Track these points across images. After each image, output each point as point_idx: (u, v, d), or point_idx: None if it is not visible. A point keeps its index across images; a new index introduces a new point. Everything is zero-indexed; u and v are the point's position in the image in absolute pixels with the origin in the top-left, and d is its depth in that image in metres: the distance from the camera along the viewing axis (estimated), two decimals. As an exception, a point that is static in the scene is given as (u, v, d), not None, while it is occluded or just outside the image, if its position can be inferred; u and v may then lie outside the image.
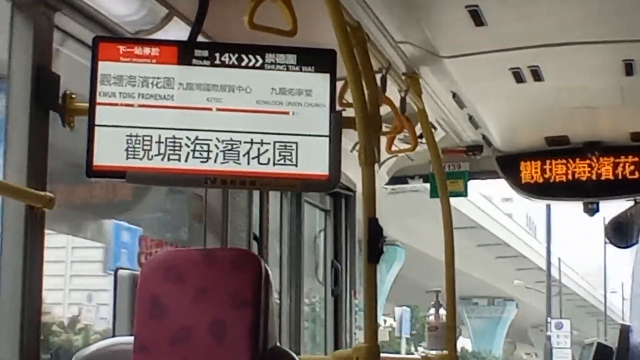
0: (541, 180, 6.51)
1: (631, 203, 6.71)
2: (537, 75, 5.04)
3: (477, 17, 4.25)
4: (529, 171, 6.55)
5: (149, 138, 3.56)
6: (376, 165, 6.33)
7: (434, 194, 5.98)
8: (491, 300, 47.71)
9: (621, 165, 6.39)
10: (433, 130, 5.61)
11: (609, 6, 4.29)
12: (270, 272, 3.58)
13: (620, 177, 6.40)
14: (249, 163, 3.59)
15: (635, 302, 7.48)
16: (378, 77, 4.42)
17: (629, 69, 4.94)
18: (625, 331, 6.86)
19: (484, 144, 6.45)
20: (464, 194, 6.74)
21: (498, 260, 40.87)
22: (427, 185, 6.62)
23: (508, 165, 6.63)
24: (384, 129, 4.78)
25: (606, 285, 43.98)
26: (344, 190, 6.43)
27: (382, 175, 6.79)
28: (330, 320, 6.56)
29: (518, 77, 5.06)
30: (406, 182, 7.00)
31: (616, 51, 4.79)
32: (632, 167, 6.37)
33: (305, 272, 6.27)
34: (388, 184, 6.98)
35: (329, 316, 6.56)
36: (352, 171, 3.45)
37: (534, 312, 46.94)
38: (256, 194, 5.20)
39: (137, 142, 3.56)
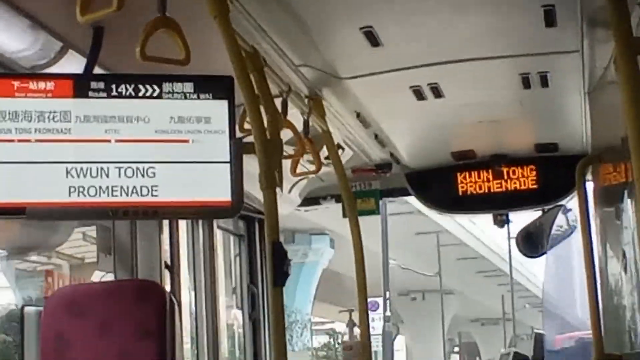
0: (450, 194, 6.59)
1: (539, 213, 6.83)
2: (437, 92, 5.10)
3: (372, 38, 4.29)
4: (438, 186, 6.63)
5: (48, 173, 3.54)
6: (287, 188, 6.40)
7: (345, 214, 6.01)
8: (289, 235, 27.68)
9: (527, 176, 6.50)
10: (340, 150, 5.65)
11: (502, 22, 4.36)
12: (175, 301, 3.57)
13: (527, 187, 6.51)
14: (150, 193, 3.59)
15: (547, 310, 7.62)
16: (279, 100, 4.46)
17: (526, 82, 5.04)
18: (539, 340, 6.99)
19: (392, 161, 6.51)
20: (375, 212, 6.79)
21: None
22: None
23: (417, 182, 6.70)
24: (291, 152, 4.82)
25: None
26: (256, 214, 6.43)
27: (294, 197, 6.80)
28: (249, 345, 6.55)
29: (419, 95, 5.12)
30: (319, 203, 7.02)
31: (513, 65, 4.88)
32: (537, 178, 6.49)
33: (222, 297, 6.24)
34: (301, 205, 7.00)
35: (247, 340, 6.54)
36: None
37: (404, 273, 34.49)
38: (166, 222, 5.18)
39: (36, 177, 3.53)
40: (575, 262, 7.42)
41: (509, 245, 37.37)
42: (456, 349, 55.41)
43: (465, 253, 36.94)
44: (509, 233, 36.77)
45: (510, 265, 38.35)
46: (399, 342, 43.62)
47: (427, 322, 41.15)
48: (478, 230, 36.67)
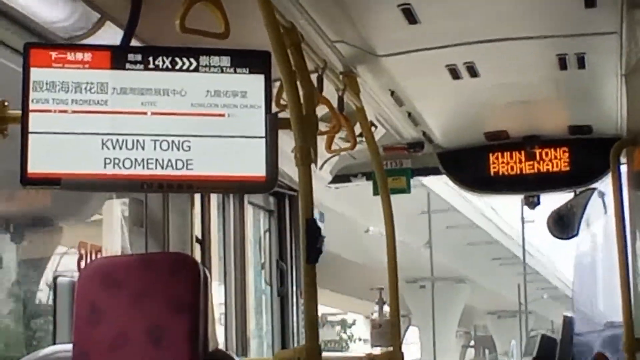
0: (482, 175, 6.56)
1: (571, 195, 6.79)
2: (473, 72, 5.07)
3: (410, 16, 4.27)
4: (470, 166, 6.60)
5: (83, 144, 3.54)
6: (319, 165, 6.39)
7: (376, 191, 6.00)
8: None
9: (560, 158, 6.46)
10: (373, 128, 5.63)
11: (541, 2, 4.33)
12: (209, 275, 3.58)
13: (559, 169, 6.47)
14: (185, 166, 3.58)
15: (577, 294, 7.57)
16: (315, 76, 4.44)
17: (562, 63, 5.00)
18: (568, 322, 6.96)
19: (424, 140, 6.49)
20: (406, 190, 6.77)
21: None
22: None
23: (449, 161, 6.68)
24: (324, 129, 4.82)
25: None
26: (287, 190, 6.44)
27: (325, 174, 6.80)
28: (277, 321, 6.57)
29: (454, 74, 5.09)
30: (349, 181, 7.02)
31: (550, 46, 4.84)
32: (570, 160, 6.45)
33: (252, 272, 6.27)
34: (331, 182, 7.00)
35: (275, 316, 6.57)
36: (294, 171, 3.46)
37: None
38: (197, 197, 5.19)
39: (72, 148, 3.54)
40: (607, 260, 7.36)
41: (522, 228, 35.64)
42: (472, 342, 54.01)
43: (477, 237, 34.59)
44: (522, 216, 35.45)
45: (524, 250, 35.83)
46: (412, 334, 41.65)
47: (438, 313, 38.16)
48: (491, 211, 34.55)
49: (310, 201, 3.44)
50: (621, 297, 5.31)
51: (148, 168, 3.55)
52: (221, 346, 5.34)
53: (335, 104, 4.74)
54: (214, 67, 3.66)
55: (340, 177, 6.94)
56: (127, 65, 3.61)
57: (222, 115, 3.63)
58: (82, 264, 4.45)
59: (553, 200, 7.04)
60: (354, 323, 46.31)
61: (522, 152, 6.51)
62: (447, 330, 40.57)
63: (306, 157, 3.45)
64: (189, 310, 3.46)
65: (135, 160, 3.54)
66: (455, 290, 39.62)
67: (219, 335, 5.45)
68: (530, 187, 6.62)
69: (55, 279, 4.20)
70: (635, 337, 5.25)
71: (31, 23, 3.77)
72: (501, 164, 6.53)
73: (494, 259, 37.87)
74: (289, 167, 3.62)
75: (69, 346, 3.56)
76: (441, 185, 26.84)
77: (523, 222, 35.52)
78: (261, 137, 3.63)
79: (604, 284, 7.75)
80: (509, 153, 6.53)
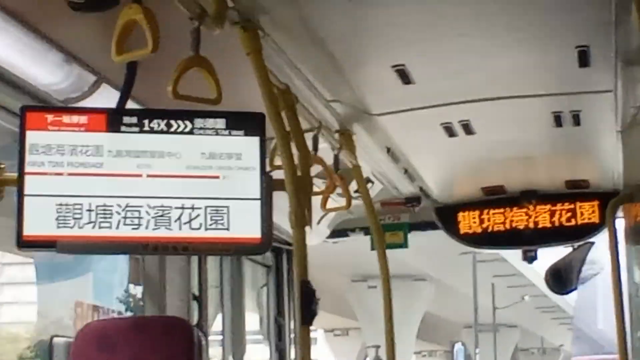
0: (479, 230, 6.57)
1: (569, 250, 6.79)
2: (468, 129, 5.10)
3: (404, 76, 4.30)
4: (467, 221, 6.62)
5: (79, 206, 3.54)
6: (316, 220, 6.39)
7: (373, 246, 6.00)
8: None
9: (557, 212, 6.48)
10: (370, 184, 5.65)
11: (534, 61, 4.36)
12: (203, 337, 3.57)
13: (556, 224, 6.48)
14: (180, 228, 3.58)
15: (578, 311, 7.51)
16: (310, 135, 4.47)
17: (558, 120, 5.03)
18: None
19: (421, 195, 6.51)
20: (404, 245, 6.78)
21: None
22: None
23: (446, 216, 6.69)
24: (321, 185, 4.83)
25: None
26: (285, 245, 6.43)
27: (323, 229, 6.80)
28: (276, 376, 6.53)
29: (450, 132, 5.12)
30: (347, 235, 7.02)
31: (545, 104, 4.87)
32: (568, 214, 6.47)
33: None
34: (329, 237, 7.00)
35: (274, 373, 6.53)
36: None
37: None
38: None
39: (67, 210, 3.53)
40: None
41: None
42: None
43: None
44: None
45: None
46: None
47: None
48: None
49: (304, 263, 3.44)
50: (617, 349, 5.32)
51: (143, 230, 3.55)
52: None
53: (330, 162, 4.76)
54: (209, 129, 3.67)
55: (338, 232, 6.95)
56: (123, 128, 3.62)
57: (217, 177, 3.64)
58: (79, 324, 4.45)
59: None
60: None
61: (520, 207, 6.52)
62: (404, 345, 28.00)
63: (300, 219, 3.47)
64: (183, 373, 3.46)
65: (131, 222, 3.54)
66: (414, 289, 29.74)
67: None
68: (527, 241, 6.63)
69: (51, 339, 4.19)
70: None
71: (28, 86, 3.78)
72: (498, 218, 6.55)
73: (462, 253, 27.18)
74: (285, 222, 3.62)
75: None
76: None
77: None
78: (256, 199, 3.63)
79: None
80: (506, 208, 6.55)
